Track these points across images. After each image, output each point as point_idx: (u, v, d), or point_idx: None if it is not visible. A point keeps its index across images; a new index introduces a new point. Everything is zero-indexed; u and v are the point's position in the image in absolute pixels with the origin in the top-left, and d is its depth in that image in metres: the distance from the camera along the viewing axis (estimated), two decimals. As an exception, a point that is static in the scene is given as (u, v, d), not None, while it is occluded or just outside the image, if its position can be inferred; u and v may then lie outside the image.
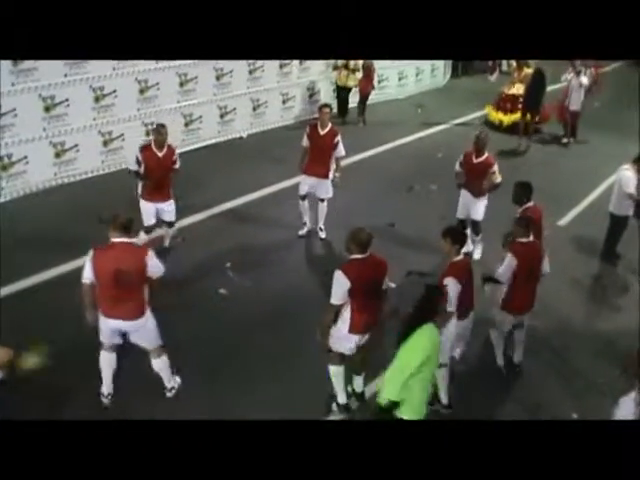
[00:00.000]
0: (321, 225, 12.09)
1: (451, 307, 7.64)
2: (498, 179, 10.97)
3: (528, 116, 17.41)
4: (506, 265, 8.34)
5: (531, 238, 8.55)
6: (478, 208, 11.27)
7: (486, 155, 11.08)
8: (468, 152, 11.35)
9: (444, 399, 8.29)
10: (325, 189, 11.72)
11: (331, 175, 11.68)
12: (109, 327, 7.62)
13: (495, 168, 10.97)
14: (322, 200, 11.85)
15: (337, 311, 7.59)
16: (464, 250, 10.92)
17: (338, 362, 7.96)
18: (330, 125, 11.54)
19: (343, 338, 7.70)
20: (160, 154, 10.39)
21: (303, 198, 11.89)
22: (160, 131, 10.44)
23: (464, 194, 11.37)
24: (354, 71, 17.97)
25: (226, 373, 8.61)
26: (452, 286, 7.61)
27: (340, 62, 17.75)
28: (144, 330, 7.76)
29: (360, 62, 17.86)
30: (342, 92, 18.37)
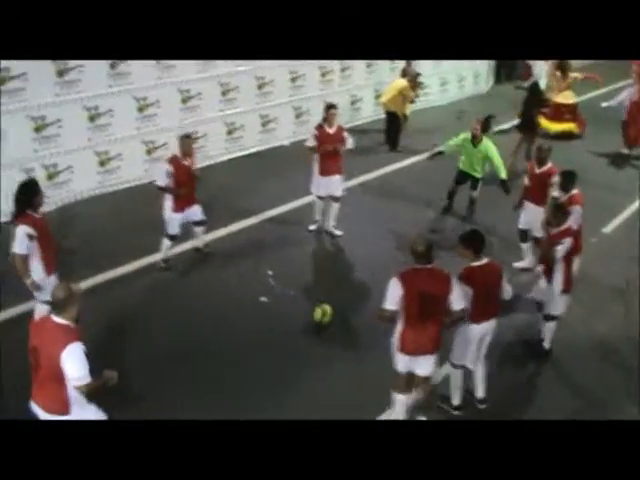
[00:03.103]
0: (333, 222, 12.42)
1: (458, 307, 7.32)
2: (555, 192, 10.64)
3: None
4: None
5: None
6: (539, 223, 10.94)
7: (548, 165, 11.03)
8: (531, 162, 11.50)
9: (455, 400, 8.23)
10: (338, 186, 12.13)
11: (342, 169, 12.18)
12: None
13: (555, 179, 10.69)
14: (336, 200, 12.23)
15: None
16: (522, 265, 11.14)
17: (401, 389, 7.61)
18: (337, 124, 12.01)
19: (396, 355, 7.47)
20: (187, 163, 10.61)
21: (320, 198, 12.30)
22: (186, 141, 10.70)
23: (527, 205, 11.25)
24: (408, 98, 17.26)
25: (267, 379, 8.65)
26: (461, 289, 7.45)
27: (400, 91, 16.87)
28: None
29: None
30: (396, 120, 17.28)
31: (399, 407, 7.68)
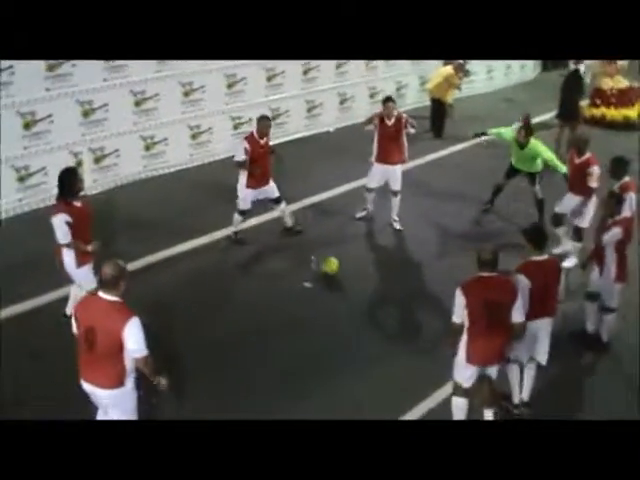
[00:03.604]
0: (395, 217, 12.26)
1: (519, 319, 7.21)
2: (593, 183, 10.62)
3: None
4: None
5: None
6: (582, 213, 10.89)
7: (587, 155, 10.83)
8: (571, 153, 11.28)
9: (516, 398, 8.08)
10: (396, 178, 11.99)
11: (404, 158, 12.12)
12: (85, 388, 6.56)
13: (593, 169, 10.60)
14: (395, 194, 12.10)
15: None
16: (561, 250, 10.92)
17: (461, 394, 7.47)
18: (395, 115, 11.85)
19: (461, 366, 7.36)
20: (262, 142, 11.11)
21: (370, 191, 12.23)
22: (264, 122, 11.27)
23: (569, 196, 11.11)
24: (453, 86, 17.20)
25: (306, 366, 8.68)
26: (520, 283, 7.40)
27: (446, 78, 16.89)
28: (117, 407, 6.50)
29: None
30: (441, 107, 17.23)
31: (458, 412, 7.54)
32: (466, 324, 7.15)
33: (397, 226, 12.24)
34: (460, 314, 7.12)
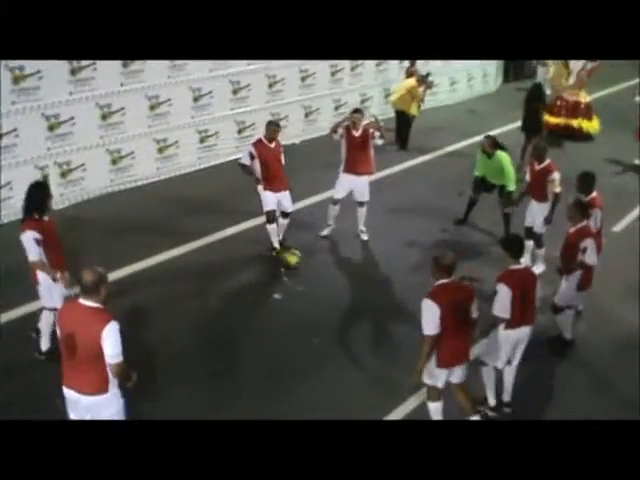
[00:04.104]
0: (362, 227, 12.34)
1: (499, 312, 7.56)
2: (556, 189, 10.85)
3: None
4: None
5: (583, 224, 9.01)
6: (540, 219, 11.11)
7: (547, 162, 11.10)
8: (531, 161, 11.55)
9: (492, 400, 8.23)
10: (363, 189, 12.02)
11: (372, 170, 12.15)
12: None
13: (554, 176, 10.86)
14: (361, 204, 12.15)
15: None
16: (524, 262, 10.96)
17: (436, 398, 7.52)
18: (362, 127, 11.89)
19: (432, 371, 7.36)
20: (271, 146, 11.22)
21: (335, 202, 12.18)
22: (272, 127, 11.34)
23: (531, 202, 11.34)
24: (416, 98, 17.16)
25: (289, 370, 8.77)
26: (502, 292, 7.58)
27: (408, 90, 16.93)
28: (103, 413, 6.40)
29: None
30: (406, 118, 17.26)
31: (435, 415, 7.61)
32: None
33: (364, 237, 12.34)
34: (435, 325, 7.07)
